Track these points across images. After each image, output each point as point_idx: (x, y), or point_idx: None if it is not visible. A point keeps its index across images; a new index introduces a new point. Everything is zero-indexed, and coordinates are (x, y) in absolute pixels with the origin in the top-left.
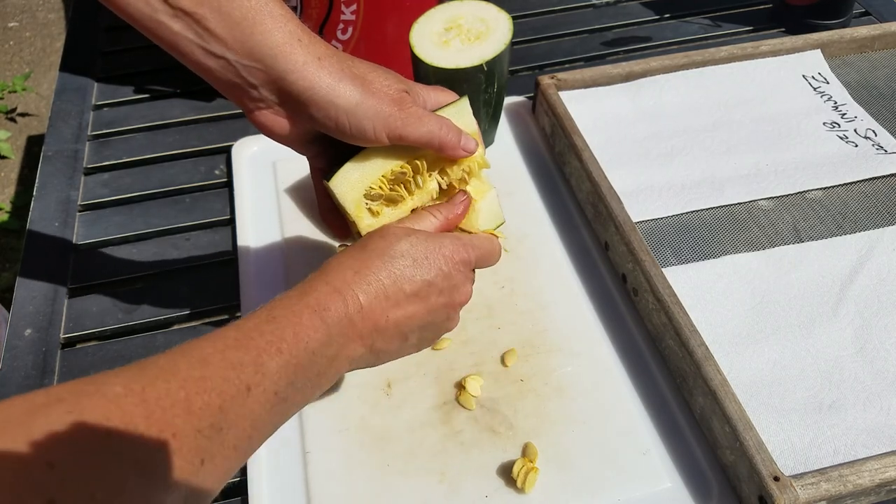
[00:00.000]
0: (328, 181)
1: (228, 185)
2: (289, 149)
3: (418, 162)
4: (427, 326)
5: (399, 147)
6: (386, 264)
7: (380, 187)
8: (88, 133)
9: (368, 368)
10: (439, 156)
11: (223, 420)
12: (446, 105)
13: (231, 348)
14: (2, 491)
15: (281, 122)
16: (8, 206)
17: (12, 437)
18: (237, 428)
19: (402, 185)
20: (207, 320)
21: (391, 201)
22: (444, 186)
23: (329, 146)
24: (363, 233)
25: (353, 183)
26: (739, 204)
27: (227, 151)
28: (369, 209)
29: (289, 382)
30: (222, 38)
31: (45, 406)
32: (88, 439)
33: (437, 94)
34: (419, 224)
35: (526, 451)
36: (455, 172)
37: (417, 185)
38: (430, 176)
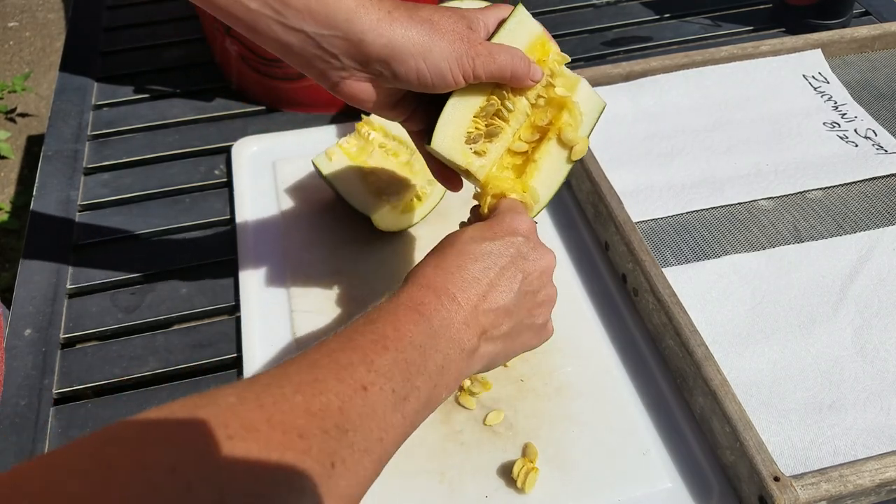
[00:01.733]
0: (429, 145)
1: (228, 185)
2: (289, 150)
3: (502, 90)
4: (520, 294)
5: (476, 86)
6: (458, 254)
7: (476, 128)
8: (88, 133)
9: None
10: None
11: (346, 421)
12: (507, 18)
13: (337, 351)
14: (129, 496)
15: (366, 89)
16: (8, 206)
17: (132, 444)
18: (363, 429)
19: (494, 117)
20: (207, 320)
21: (491, 135)
22: (534, 101)
23: (416, 106)
24: (479, 176)
25: (451, 137)
26: (740, 204)
27: (226, 151)
28: (475, 153)
29: (404, 379)
30: (299, 9)
31: (157, 420)
32: (209, 445)
33: (494, 13)
34: None
35: (526, 452)
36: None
37: (509, 110)
38: (516, 96)
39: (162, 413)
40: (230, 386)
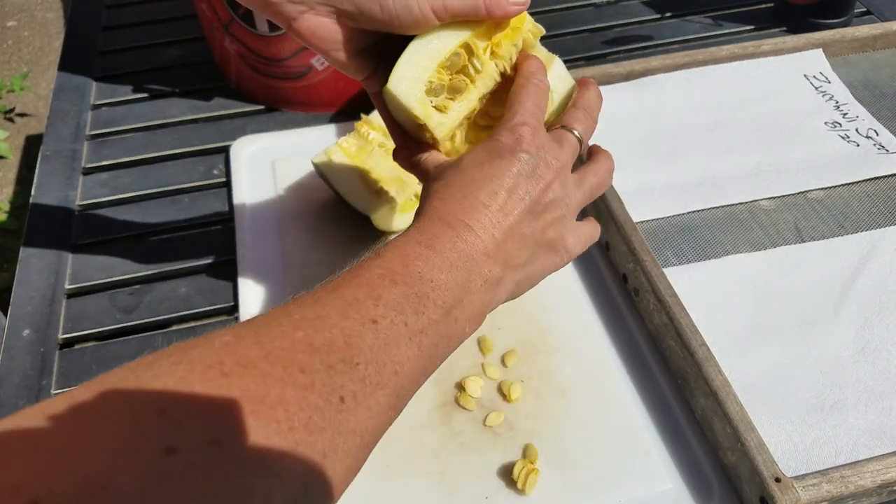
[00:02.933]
0: (385, 86)
1: (227, 184)
2: (288, 149)
3: (470, 43)
4: (532, 214)
5: (447, 30)
6: (462, 180)
7: (439, 79)
8: (87, 133)
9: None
10: (492, 27)
11: (355, 355)
12: None
13: (342, 286)
14: (115, 439)
15: (326, 25)
16: (6, 206)
17: (119, 389)
18: (375, 362)
19: (462, 73)
20: (206, 321)
21: (455, 91)
22: (502, 70)
23: (379, 62)
24: (436, 134)
25: (411, 81)
26: (741, 204)
27: (225, 151)
28: (435, 107)
29: (417, 312)
30: None
31: (150, 361)
32: (201, 384)
33: None
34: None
35: (526, 453)
36: (506, 49)
37: (476, 69)
38: (486, 56)
39: (156, 357)
40: (228, 327)
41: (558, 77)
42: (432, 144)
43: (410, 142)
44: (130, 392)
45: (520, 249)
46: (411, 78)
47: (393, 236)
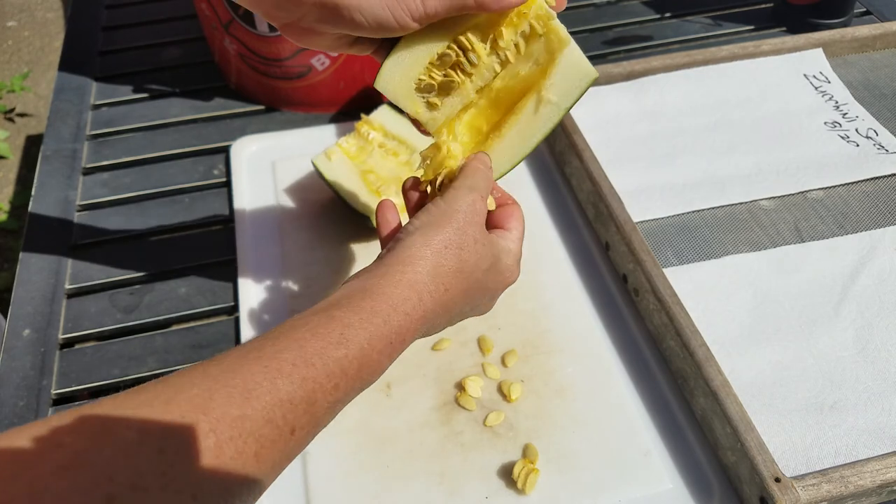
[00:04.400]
0: (374, 84)
1: (227, 184)
2: (288, 149)
3: (463, 38)
4: (470, 311)
5: (438, 27)
6: (469, 274)
7: (430, 77)
8: (87, 133)
9: None
10: (494, 16)
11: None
12: None
13: (308, 366)
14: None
15: (317, 33)
16: (6, 206)
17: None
18: (312, 427)
19: (455, 70)
20: (206, 321)
21: (446, 90)
22: (503, 58)
23: (379, 39)
24: (430, 129)
25: (399, 80)
26: (741, 204)
27: (225, 151)
28: (426, 102)
29: (356, 389)
30: None
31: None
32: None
33: None
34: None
35: (526, 453)
36: (508, 39)
37: (472, 64)
38: (485, 50)
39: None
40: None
41: (573, 67)
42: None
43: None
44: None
45: (444, 325)
46: (399, 77)
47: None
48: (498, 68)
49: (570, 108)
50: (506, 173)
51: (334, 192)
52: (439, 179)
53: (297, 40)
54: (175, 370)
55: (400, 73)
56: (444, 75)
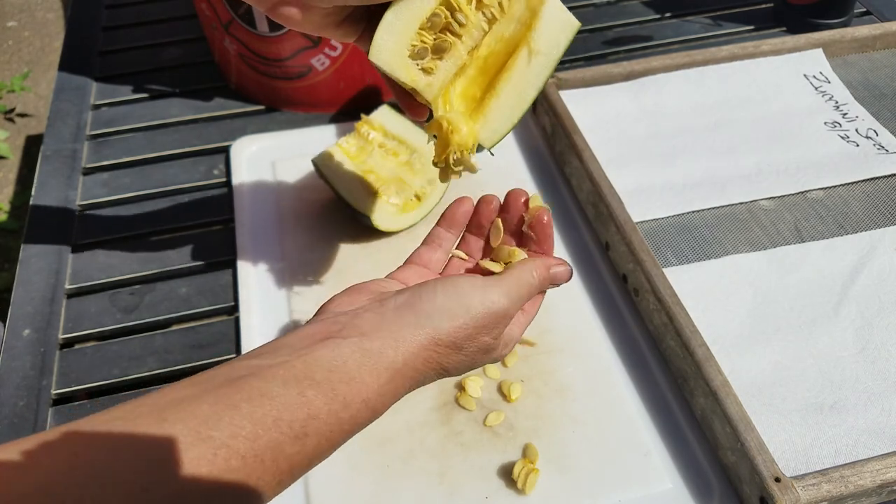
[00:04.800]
0: (368, 55)
1: (227, 184)
2: (288, 149)
3: (451, 1)
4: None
5: None
6: (460, 349)
7: (422, 41)
8: (87, 133)
9: None
10: None
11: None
12: None
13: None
14: None
15: (305, 7)
16: (6, 206)
17: None
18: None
19: (445, 32)
20: (206, 321)
21: (439, 51)
22: (489, 16)
23: (368, 22)
24: (428, 96)
25: (392, 49)
26: (741, 204)
27: (225, 151)
28: (423, 69)
29: (344, 434)
30: None
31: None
32: None
33: None
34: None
35: (526, 452)
36: None
37: (460, 24)
38: (471, 9)
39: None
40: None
41: (555, 20)
42: (426, 105)
43: (413, 101)
44: None
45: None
46: (392, 45)
47: (394, 236)
48: (486, 27)
49: (559, 58)
50: (507, 133)
51: (334, 192)
52: (451, 158)
53: (286, 20)
54: (175, 370)
55: (393, 41)
56: (435, 39)
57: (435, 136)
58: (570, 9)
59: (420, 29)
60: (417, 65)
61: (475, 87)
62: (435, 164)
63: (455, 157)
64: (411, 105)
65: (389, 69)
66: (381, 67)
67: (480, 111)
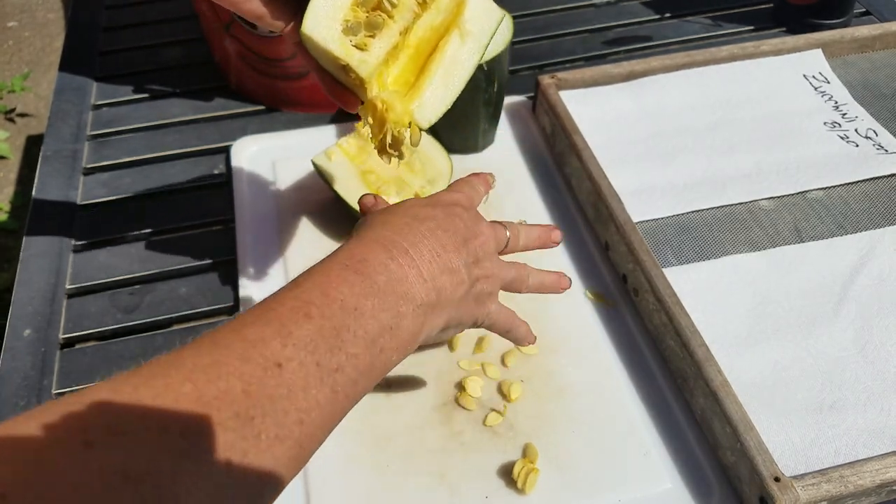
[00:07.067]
0: (301, 30)
1: (227, 184)
2: (289, 149)
3: None
4: (468, 260)
5: None
6: (404, 213)
7: (355, 17)
8: (87, 133)
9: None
10: None
11: (252, 406)
12: None
13: (248, 325)
14: None
15: None
16: (7, 207)
17: None
18: (276, 413)
19: (376, 10)
20: (207, 321)
21: (373, 27)
22: (420, 1)
23: (299, 8)
24: (362, 73)
25: (325, 23)
26: (740, 204)
27: (226, 151)
28: (356, 46)
29: (333, 349)
30: None
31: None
32: (63, 457)
33: None
34: None
35: (526, 452)
36: None
37: (392, 4)
38: None
39: (19, 424)
40: (110, 379)
41: (476, 18)
42: (360, 86)
43: (344, 91)
44: None
45: (455, 286)
46: (325, 18)
47: None
48: (417, 9)
49: (488, 44)
50: (441, 113)
51: (334, 193)
52: (388, 137)
53: None
54: None
55: (326, 15)
56: (368, 15)
57: (369, 117)
58: (571, 9)
59: (353, 5)
60: (350, 41)
61: (408, 72)
62: (374, 147)
63: (392, 137)
64: (342, 94)
65: (323, 42)
66: (313, 41)
67: (415, 93)
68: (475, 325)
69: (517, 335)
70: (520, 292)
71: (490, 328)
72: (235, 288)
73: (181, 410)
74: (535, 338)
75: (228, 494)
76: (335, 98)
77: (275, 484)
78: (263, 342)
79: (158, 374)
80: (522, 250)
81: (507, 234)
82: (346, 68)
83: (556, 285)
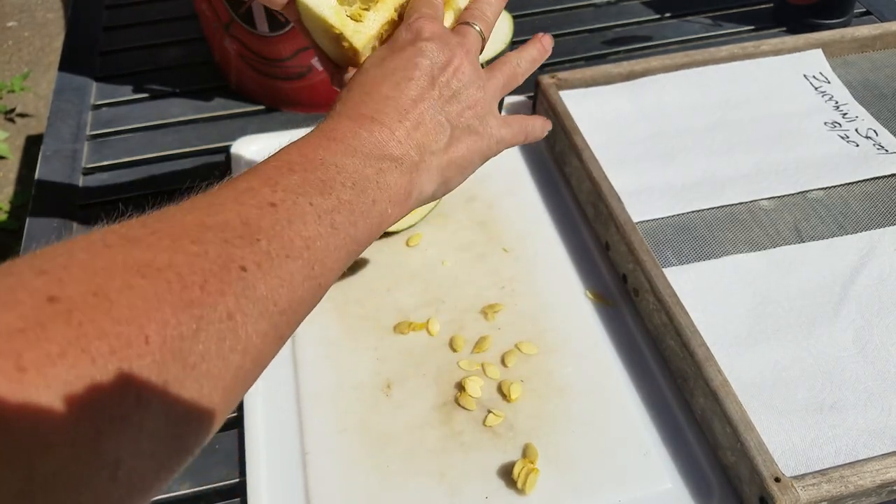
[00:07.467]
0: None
1: None
2: (283, 140)
3: None
4: (441, 100)
5: None
6: (364, 79)
7: None
8: (87, 133)
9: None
10: None
11: (255, 232)
12: None
13: (236, 180)
14: None
15: None
16: (7, 207)
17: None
18: (280, 238)
19: None
20: None
21: (367, 0)
22: None
23: None
24: (356, 44)
25: None
26: (740, 204)
27: (225, 151)
28: (350, 16)
29: (322, 193)
30: None
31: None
32: (83, 252)
33: None
34: None
35: (526, 452)
36: None
37: None
38: None
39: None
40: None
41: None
42: (353, 57)
43: (339, 69)
44: (14, 265)
45: (436, 134)
46: None
47: (394, 236)
48: None
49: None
50: None
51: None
52: None
53: None
54: None
55: None
56: None
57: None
58: (570, 9)
59: None
60: (346, 11)
61: None
62: None
63: None
64: (335, 73)
65: (318, 10)
66: (308, 7)
67: None
68: (490, 155)
69: (535, 136)
70: (518, 84)
71: (507, 147)
72: None
73: (189, 229)
74: (551, 123)
75: (251, 298)
76: (330, 75)
77: (295, 297)
78: (252, 190)
79: (159, 214)
80: (525, 76)
81: (478, 28)
82: (339, 38)
83: (541, 49)
